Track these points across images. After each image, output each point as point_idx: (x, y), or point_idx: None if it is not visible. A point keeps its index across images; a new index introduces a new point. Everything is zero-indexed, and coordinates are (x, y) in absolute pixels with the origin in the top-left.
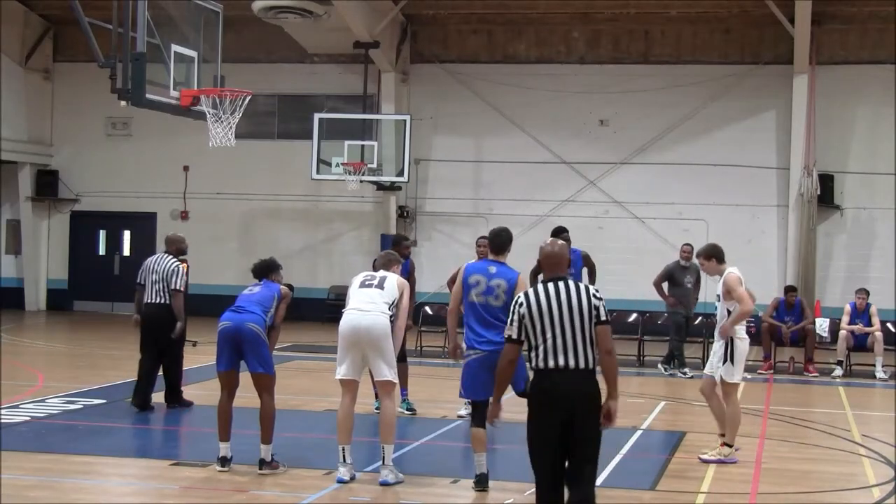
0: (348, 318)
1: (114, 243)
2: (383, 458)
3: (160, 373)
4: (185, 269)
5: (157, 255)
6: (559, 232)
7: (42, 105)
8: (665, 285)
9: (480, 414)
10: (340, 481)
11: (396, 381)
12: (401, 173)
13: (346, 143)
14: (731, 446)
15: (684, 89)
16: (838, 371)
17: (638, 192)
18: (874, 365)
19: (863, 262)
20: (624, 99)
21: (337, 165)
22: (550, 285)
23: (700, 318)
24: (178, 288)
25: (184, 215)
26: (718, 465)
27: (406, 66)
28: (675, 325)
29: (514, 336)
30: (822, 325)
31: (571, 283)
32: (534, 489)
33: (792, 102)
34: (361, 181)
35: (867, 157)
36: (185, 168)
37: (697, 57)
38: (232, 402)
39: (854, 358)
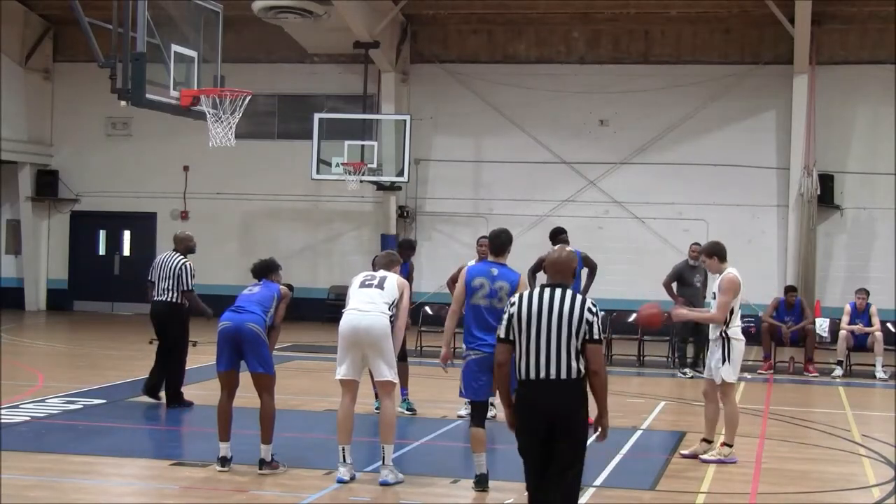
0: (348, 319)
1: (114, 243)
2: (383, 458)
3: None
4: (192, 268)
5: (166, 254)
6: (558, 233)
7: (42, 105)
8: (674, 285)
9: (480, 414)
10: (340, 481)
11: (396, 381)
12: (401, 173)
13: (346, 143)
14: (730, 446)
15: (684, 89)
16: (838, 371)
17: (638, 192)
18: (874, 365)
19: (863, 262)
20: (624, 99)
21: (337, 165)
22: (547, 291)
23: None
24: (188, 288)
25: (184, 215)
26: (718, 465)
27: (406, 66)
28: (684, 325)
29: (503, 336)
30: (822, 325)
31: (569, 293)
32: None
33: (792, 102)
34: (361, 181)
35: (867, 157)
36: (185, 168)
37: (697, 57)
38: (232, 402)
39: (854, 358)
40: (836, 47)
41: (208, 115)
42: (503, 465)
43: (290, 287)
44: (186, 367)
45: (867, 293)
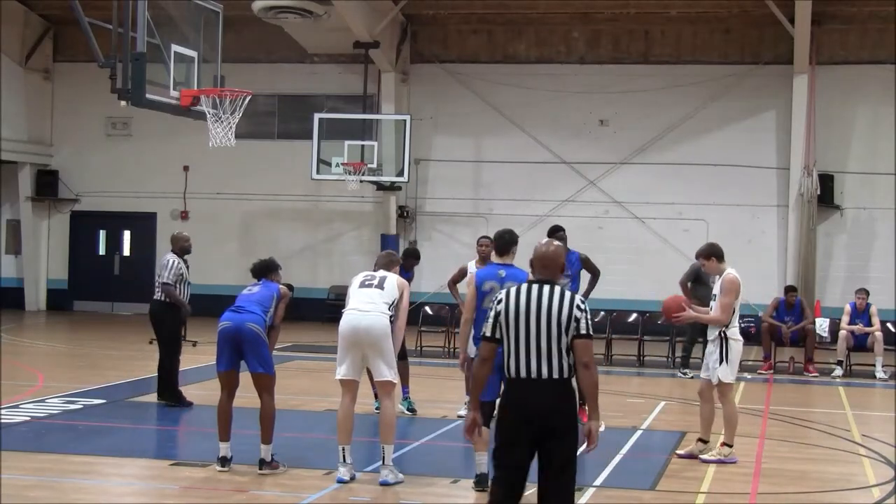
0: (348, 319)
1: (114, 243)
2: (383, 458)
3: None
4: (175, 263)
5: (165, 254)
6: (555, 230)
7: (42, 105)
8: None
9: (486, 414)
10: (340, 481)
11: (396, 381)
12: (401, 173)
13: (346, 143)
14: (730, 446)
15: (684, 89)
16: (838, 371)
17: (638, 192)
18: (874, 365)
19: (863, 262)
20: (624, 99)
21: (337, 165)
22: (534, 287)
23: None
24: (165, 281)
25: (184, 215)
26: (718, 465)
27: (406, 66)
28: (693, 326)
29: (489, 334)
30: (822, 325)
31: (557, 289)
32: (533, 489)
33: (792, 102)
34: (361, 181)
35: (867, 157)
36: (185, 168)
37: (697, 57)
38: (232, 402)
39: (854, 358)
40: (836, 47)
41: (208, 115)
42: None
43: (289, 287)
44: (186, 367)
45: (867, 293)
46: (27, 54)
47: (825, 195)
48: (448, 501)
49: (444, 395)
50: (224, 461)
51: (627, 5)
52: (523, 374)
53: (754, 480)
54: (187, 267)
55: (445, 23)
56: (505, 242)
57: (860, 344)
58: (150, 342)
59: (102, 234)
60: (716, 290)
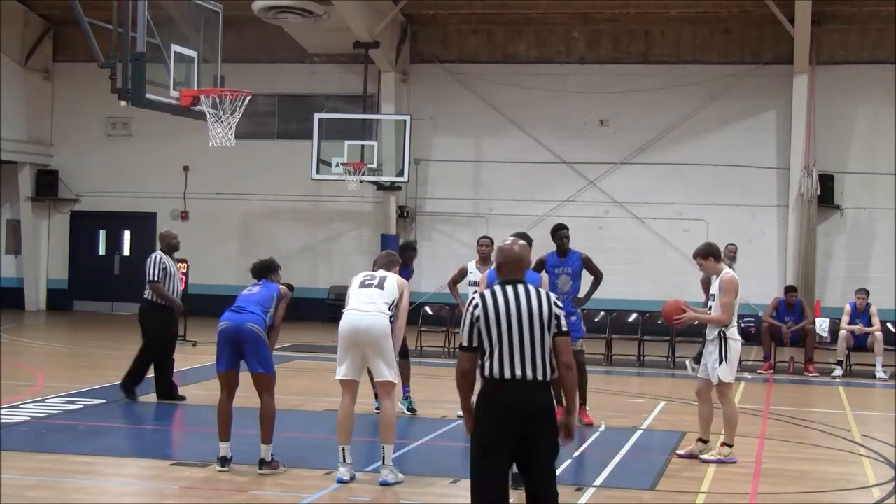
0: (348, 319)
1: (114, 243)
2: (383, 458)
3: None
4: (159, 259)
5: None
6: (558, 229)
7: (42, 105)
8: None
9: None
10: (340, 481)
11: (396, 381)
12: (401, 173)
13: (346, 143)
14: (730, 446)
15: (684, 89)
16: (838, 371)
17: (638, 192)
18: (874, 365)
19: (863, 262)
20: (624, 99)
21: (337, 165)
22: (509, 288)
23: None
24: (151, 279)
25: (184, 215)
26: (718, 465)
27: (406, 66)
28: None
29: (466, 343)
30: (822, 325)
31: (531, 288)
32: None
33: (792, 102)
34: (361, 181)
35: (867, 157)
36: (185, 168)
37: (697, 57)
38: (232, 402)
39: (854, 358)
40: (836, 47)
41: (208, 115)
42: None
43: (289, 287)
44: (186, 367)
45: (867, 293)
46: (27, 54)
47: (825, 195)
48: (448, 501)
49: (444, 395)
50: (224, 461)
51: (627, 5)
52: (508, 374)
53: (754, 480)
54: (175, 263)
55: (445, 23)
56: None
57: (860, 344)
58: None
59: (102, 234)
60: (713, 289)
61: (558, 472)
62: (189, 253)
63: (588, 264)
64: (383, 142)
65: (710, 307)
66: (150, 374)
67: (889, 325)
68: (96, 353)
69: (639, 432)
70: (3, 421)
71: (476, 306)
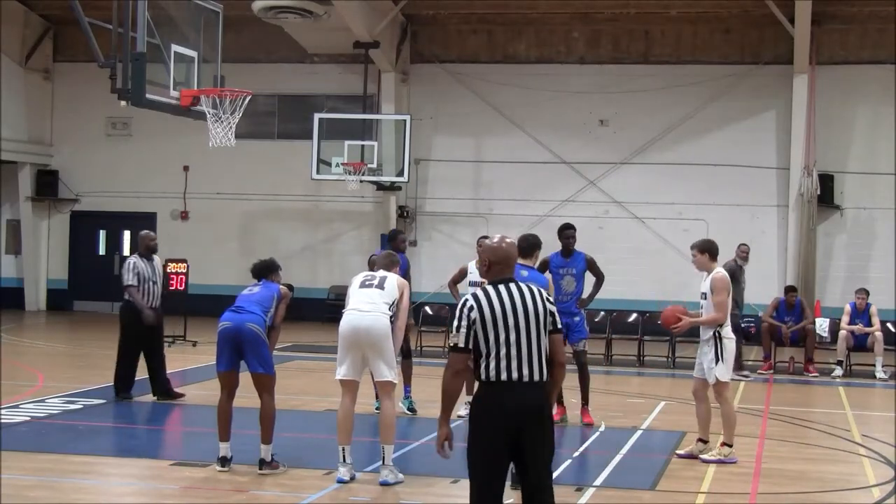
0: (348, 319)
1: (114, 243)
2: (383, 458)
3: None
4: (133, 264)
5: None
6: (566, 228)
7: (42, 105)
8: None
9: None
10: (340, 481)
11: (396, 381)
12: (401, 173)
13: (346, 143)
14: (730, 446)
15: (684, 89)
16: (838, 371)
17: (638, 192)
18: (874, 365)
19: (863, 262)
20: (624, 99)
21: (337, 165)
22: (502, 287)
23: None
24: (126, 283)
25: (184, 215)
26: (718, 465)
27: (406, 66)
28: (733, 326)
29: (462, 344)
30: (822, 325)
31: (524, 287)
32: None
33: (792, 102)
34: (361, 181)
35: (867, 157)
36: (185, 168)
37: (697, 57)
38: (232, 402)
39: (854, 358)
40: (836, 47)
41: (208, 115)
42: None
43: (290, 287)
44: (186, 367)
45: (867, 293)
46: (27, 54)
47: (825, 195)
48: (448, 501)
49: None
50: (224, 461)
51: (627, 5)
52: (505, 376)
53: (754, 480)
54: (152, 265)
55: (445, 23)
56: (530, 245)
57: (860, 344)
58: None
59: (102, 234)
60: (704, 288)
61: (558, 472)
62: (189, 253)
63: (592, 266)
64: (383, 142)
65: (702, 306)
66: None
67: (889, 325)
68: (96, 353)
69: (639, 432)
70: (3, 421)
71: (471, 308)
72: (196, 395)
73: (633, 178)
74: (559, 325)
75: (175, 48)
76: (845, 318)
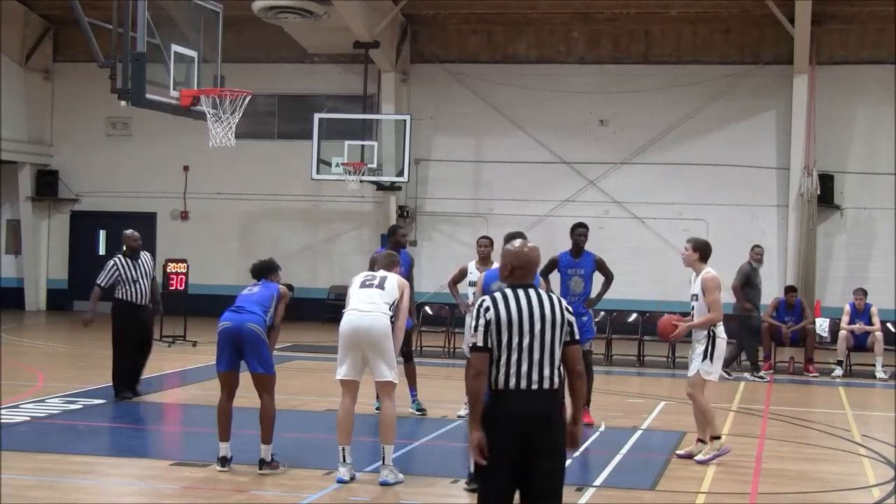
0: (348, 319)
1: (114, 243)
2: (383, 458)
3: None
4: (111, 266)
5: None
6: (577, 226)
7: (42, 105)
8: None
9: None
10: (340, 481)
11: (396, 381)
12: (401, 173)
13: (346, 143)
14: (718, 437)
15: (684, 89)
16: (838, 371)
17: (638, 192)
18: (874, 365)
19: (863, 262)
20: (624, 99)
21: (337, 165)
22: (521, 292)
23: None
24: (97, 281)
25: (184, 215)
26: (718, 464)
27: (406, 66)
28: (751, 328)
29: (481, 344)
30: (822, 325)
31: (543, 293)
32: None
33: (792, 102)
34: (361, 181)
35: (867, 157)
36: (185, 168)
37: (697, 57)
38: (232, 402)
39: (854, 358)
40: (836, 47)
41: (208, 115)
42: None
43: (289, 287)
44: (186, 367)
45: (864, 293)
46: (27, 54)
47: (825, 195)
48: (448, 501)
49: (444, 395)
50: (224, 461)
51: (627, 5)
52: (513, 384)
53: (754, 480)
54: (136, 264)
55: (445, 23)
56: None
57: (860, 344)
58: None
59: (102, 234)
60: (694, 290)
61: None
62: (189, 253)
63: (601, 266)
64: (383, 142)
65: (693, 307)
66: (147, 374)
67: (889, 325)
68: (96, 353)
69: (639, 432)
70: (3, 421)
71: (487, 309)
72: (196, 395)
73: (633, 178)
74: (577, 336)
75: (175, 48)
76: (845, 318)
